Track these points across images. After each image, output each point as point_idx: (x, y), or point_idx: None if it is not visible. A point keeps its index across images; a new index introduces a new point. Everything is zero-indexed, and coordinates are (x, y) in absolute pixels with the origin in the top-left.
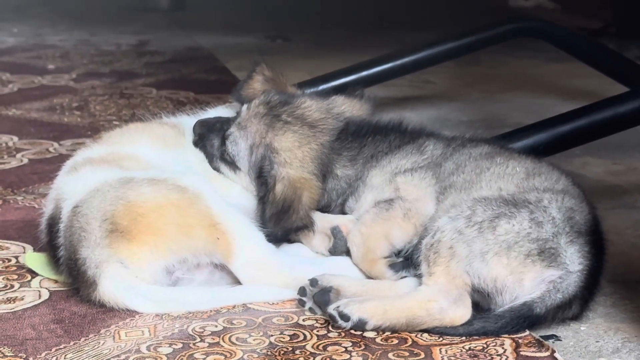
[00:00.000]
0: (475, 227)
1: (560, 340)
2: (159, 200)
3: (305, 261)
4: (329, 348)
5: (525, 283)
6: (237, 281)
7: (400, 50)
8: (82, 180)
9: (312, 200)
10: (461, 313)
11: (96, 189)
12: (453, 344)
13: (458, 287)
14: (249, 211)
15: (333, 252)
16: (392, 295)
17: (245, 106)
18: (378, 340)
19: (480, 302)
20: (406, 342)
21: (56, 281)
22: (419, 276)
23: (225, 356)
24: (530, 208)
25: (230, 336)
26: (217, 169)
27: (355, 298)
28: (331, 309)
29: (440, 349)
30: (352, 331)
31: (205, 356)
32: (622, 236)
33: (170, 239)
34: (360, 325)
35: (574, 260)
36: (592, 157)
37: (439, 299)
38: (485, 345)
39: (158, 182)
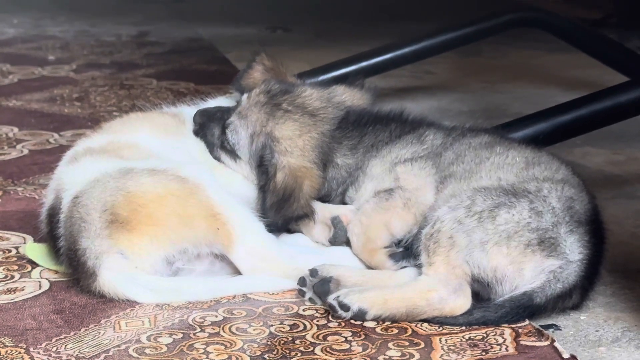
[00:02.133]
0: (475, 216)
1: (560, 330)
2: (159, 190)
3: (305, 251)
4: (329, 338)
5: (525, 273)
6: (237, 271)
7: (400, 41)
8: (82, 171)
9: (313, 189)
10: (461, 303)
11: (96, 179)
12: (453, 333)
13: (458, 276)
14: (250, 201)
15: (333, 242)
16: (392, 285)
17: (245, 95)
18: (378, 330)
19: (480, 292)
20: (406, 332)
21: (56, 272)
22: (419, 266)
23: (226, 346)
24: (529, 198)
25: (231, 326)
26: (217, 158)
27: (355, 288)
28: (331, 299)
29: (440, 339)
30: (352, 321)
31: (205, 346)
32: (623, 226)
33: (170, 230)
34: (360, 315)
35: (573, 250)
36: (593, 147)
37: (439, 289)
38: (485, 335)
39: (158, 173)
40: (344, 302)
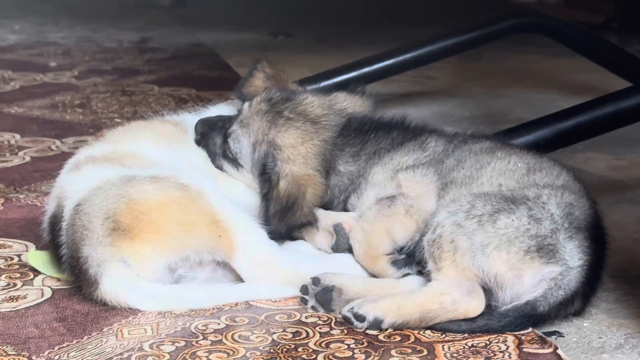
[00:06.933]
0: (474, 219)
1: (563, 337)
2: (161, 198)
3: (307, 258)
4: (332, 345)
5: (525, 279)
6: (239, 279)
7: (402, 46)
8: (85, 179)
9: (316, 197)
10: (475, 304)
11: (98, 187)
12: (456, 340)
13: (469, 278)
14: (252, 209)
15: (336, 249)
16: (404, 292)
17: (246, 103)
18: (381, 337)
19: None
20: (409, 339)
21: (59, 279)
22: (420, 273)
23: (228, 354)
24: (528, 205)
25: (233, 334)
26: (220, 167)
27: (368, 297)
28: (345, 311)
29: (443, 346)
30: (356, 328)
31: (207, 354)
32: (625, 232)
33: (172, 237)
34: (376, 324)
35: (573, 256)
36: (595, 153)
37: (451, 291)
38: (487, 342)
39: (160, 180)
40: (359, 313)
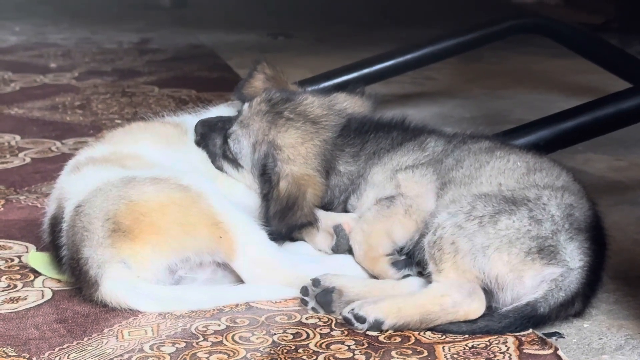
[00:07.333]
0: (475, 221)
1: (564, 338)
2: (161, 199)
3: (308, 259)
4: (332, 346)
5: (526, 281)
6: (239, 280)
7: (402, 47)
8: (85, 180)
9: (316, 197)
10: (476, 306)
11: (98, 188)
12: (456, 341)
13: (470, 280)
14: (253, 210)
15: (336, 250)
16: (404, 293)
17: (246, 104)
18: (381, 338)
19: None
20: (409, 340)
21: (59, 281)
22: (420, 274)
23: (228, 355)
24: (529, 206)
25: (233, 335)
26: (220, 168)
27: (368, 299)
28: (346, 312)
29: (443, 347)
30: (356, 329)
31: (208, 355)
32: (625, 232)
33: (172, 238)
34: (377, 326)
35: (574, 257)
36: (595, 153)
37: (452, 293)
38: (488, 343)
39: (160, 181)
40: (360, 314)
